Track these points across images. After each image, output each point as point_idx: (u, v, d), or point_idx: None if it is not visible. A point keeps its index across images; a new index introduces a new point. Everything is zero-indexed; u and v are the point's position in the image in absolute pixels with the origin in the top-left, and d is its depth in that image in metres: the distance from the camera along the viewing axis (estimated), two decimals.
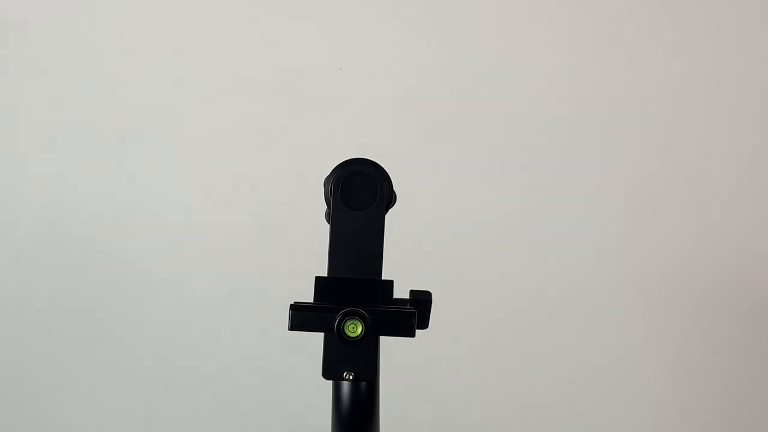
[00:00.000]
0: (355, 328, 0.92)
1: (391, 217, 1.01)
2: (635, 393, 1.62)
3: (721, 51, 1.61)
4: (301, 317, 0.93)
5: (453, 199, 1.59)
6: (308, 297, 0.97)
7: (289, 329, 0.94)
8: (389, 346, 1.01)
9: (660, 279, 1.61)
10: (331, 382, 0.96)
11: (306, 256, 1.36)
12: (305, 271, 1.03)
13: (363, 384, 0.96)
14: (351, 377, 0.93)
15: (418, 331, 0.95)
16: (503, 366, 1.61)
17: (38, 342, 1.57)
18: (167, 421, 1.59)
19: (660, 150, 1.60)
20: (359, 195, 0.98)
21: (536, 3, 1.59)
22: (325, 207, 1.03)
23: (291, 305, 0.94)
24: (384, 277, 0.97)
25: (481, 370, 1.60)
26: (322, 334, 0.93)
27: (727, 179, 1.61)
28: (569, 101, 1.59)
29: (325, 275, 0.97)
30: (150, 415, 1.58)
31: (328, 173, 1.01)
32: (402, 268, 1.10)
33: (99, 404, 1.58)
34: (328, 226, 0.99)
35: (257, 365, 1.58)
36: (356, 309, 0.92)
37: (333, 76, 1.57)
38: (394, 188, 1.01)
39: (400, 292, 0.99)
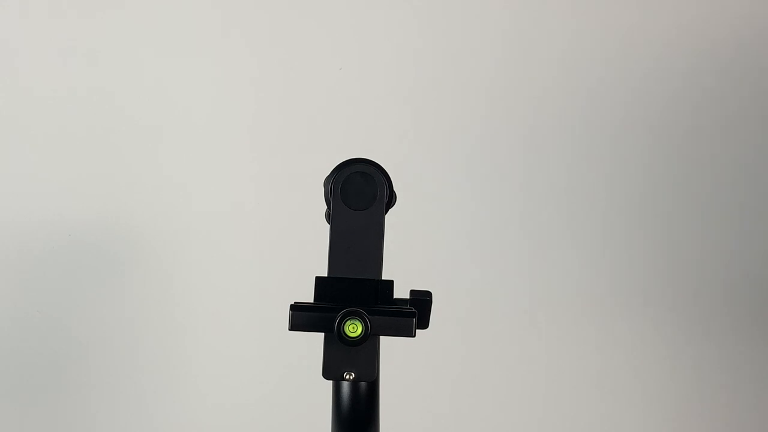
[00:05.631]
0: (355, 329, 0.92)
1: (391, 217, 1.01)
2: (636, 393, 1.62)
3: (722, 50, 1.61)
4: (301, 317, 0.93)
5: (453, 199, 1.59)
6: (308, 297, 0.97)
7: (289, 329, 0.94)
8: (389, 346, 1.02)
9: (661, 280, 1.61)
10: (331, 382, 0.96)
11: (306, 256, 1.36)
12: (305, 271, 1.03)
13: (363, 384, 0.96)
14: (351, 377, 0.93)
15: (418, 331, 0.95)
16: (504, 366, 1.61)
17: (39, 344, 1.57)
18: (165, 422, 1.59)
19: (661, 150, 1.60)
20: (359, 195, 0.98)
21: (540, 3, 1.59)
22: (325, 207, 1.03)
23: (291, 305, 0.94)
24: (384, 277, 0.98)
25: (481, 370, 1.60)
26: (322, 334, 0.94)
27: (730, 179, 1.61)
28: (571, 102, 1.59)
29: (325, 275, 0.97)
30: (148, 416, 1.58)
31: (328, 173, 1.01)
32: (402, 268, 1.10)
33: (97, 405, 1.58)
34: (328, 226, 0.99)
35: (257, 365, 1.58)
36: (356, 309, 0.92)
37: (333, 76, 1.57)
38: (395, 188, 1.01)
39: (400, 292, 0.99)
